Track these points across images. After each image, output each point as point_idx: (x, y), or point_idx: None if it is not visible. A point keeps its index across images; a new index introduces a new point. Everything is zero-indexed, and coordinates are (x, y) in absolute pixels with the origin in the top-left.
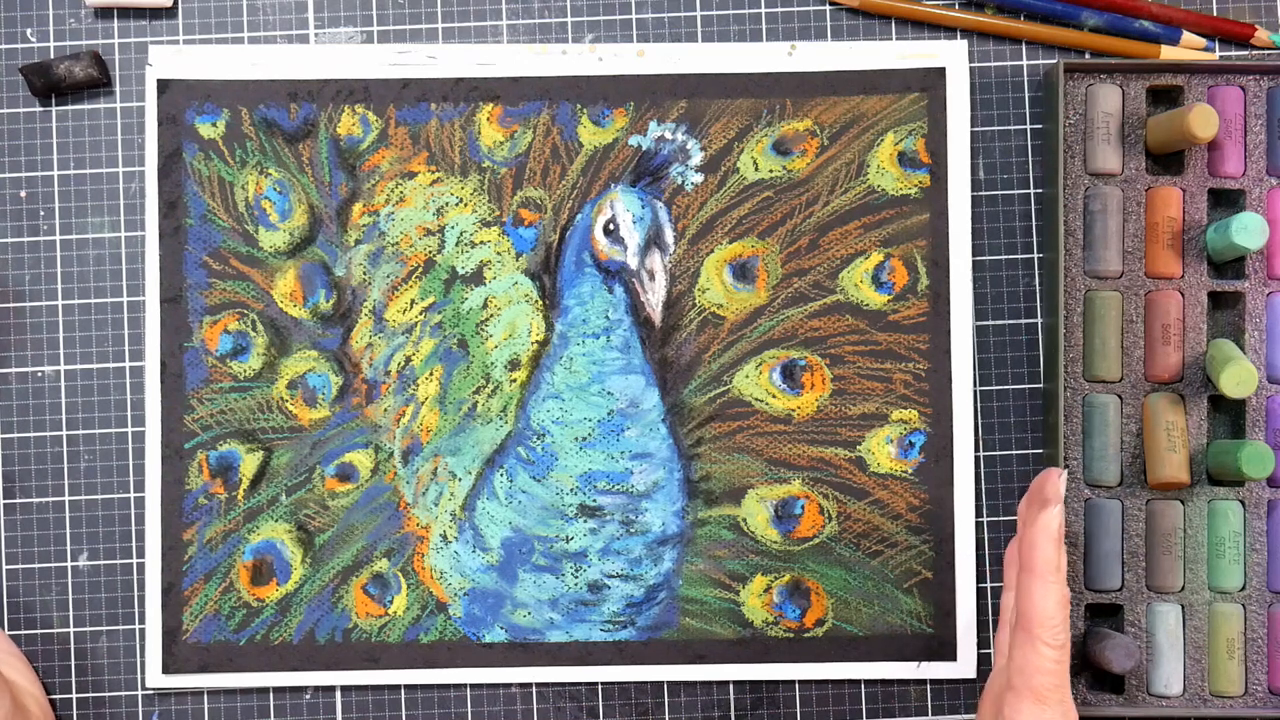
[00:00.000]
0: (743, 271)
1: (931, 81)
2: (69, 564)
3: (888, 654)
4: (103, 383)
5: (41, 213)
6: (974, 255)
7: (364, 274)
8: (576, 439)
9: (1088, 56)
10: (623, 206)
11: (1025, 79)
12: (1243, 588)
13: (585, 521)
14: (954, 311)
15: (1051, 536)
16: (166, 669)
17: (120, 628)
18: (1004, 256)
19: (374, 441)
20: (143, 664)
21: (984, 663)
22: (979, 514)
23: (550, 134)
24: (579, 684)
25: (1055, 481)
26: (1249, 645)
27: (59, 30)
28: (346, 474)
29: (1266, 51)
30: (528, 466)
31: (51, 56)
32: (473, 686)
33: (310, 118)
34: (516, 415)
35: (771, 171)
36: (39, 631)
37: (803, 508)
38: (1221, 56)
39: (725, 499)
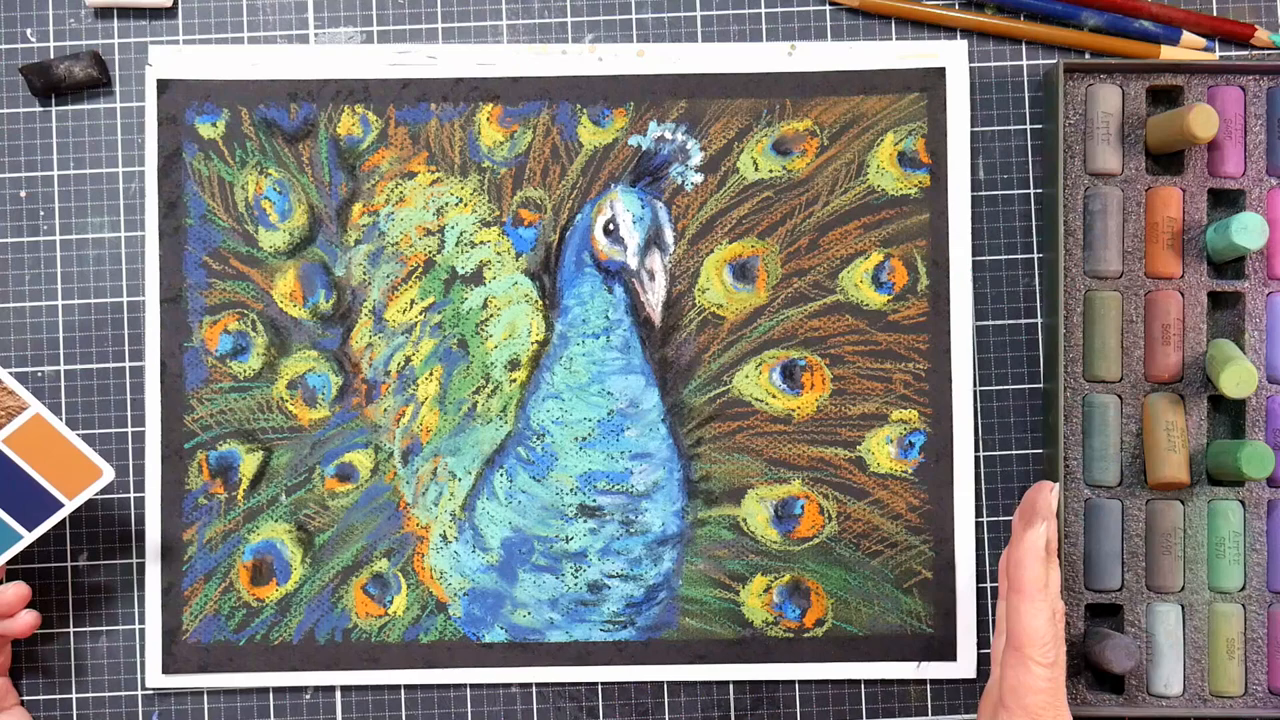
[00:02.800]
0: (743, 271)
1: (931, 81)
2: (69, 564)
3: (888, 654)
4: (103, 383)
5: (41, 213)
6: (974, 255)
7: (364, 274)
8: (576, 439)
9: (1088, 56)
10: (623, 206)
11: (1025, 79)
12: (1243, 588)
13: (585, 521)
14: (954, 311)
15: (1039, 555)
16: (166, 669)
17: (120, 628)
18: (1004, 256)
19: (374, 441)
20: (143, 664)
21: (984, 663)
22: (979, 514)
23: (550, 134)
24: (579, 684)
25: (1047, 496)
26: (1249, 645)
27: (59, 30)
28: (346, 474)
29: (1266, 51)
30: (528, 466)
31: (51, 56)
32: (473, 686)
33: (310, 118)
34: (516, 415)
35: (771, 171)
36: (39, 631)
37: (803, 508)
38: (1221, 56)
39: (725, 499)
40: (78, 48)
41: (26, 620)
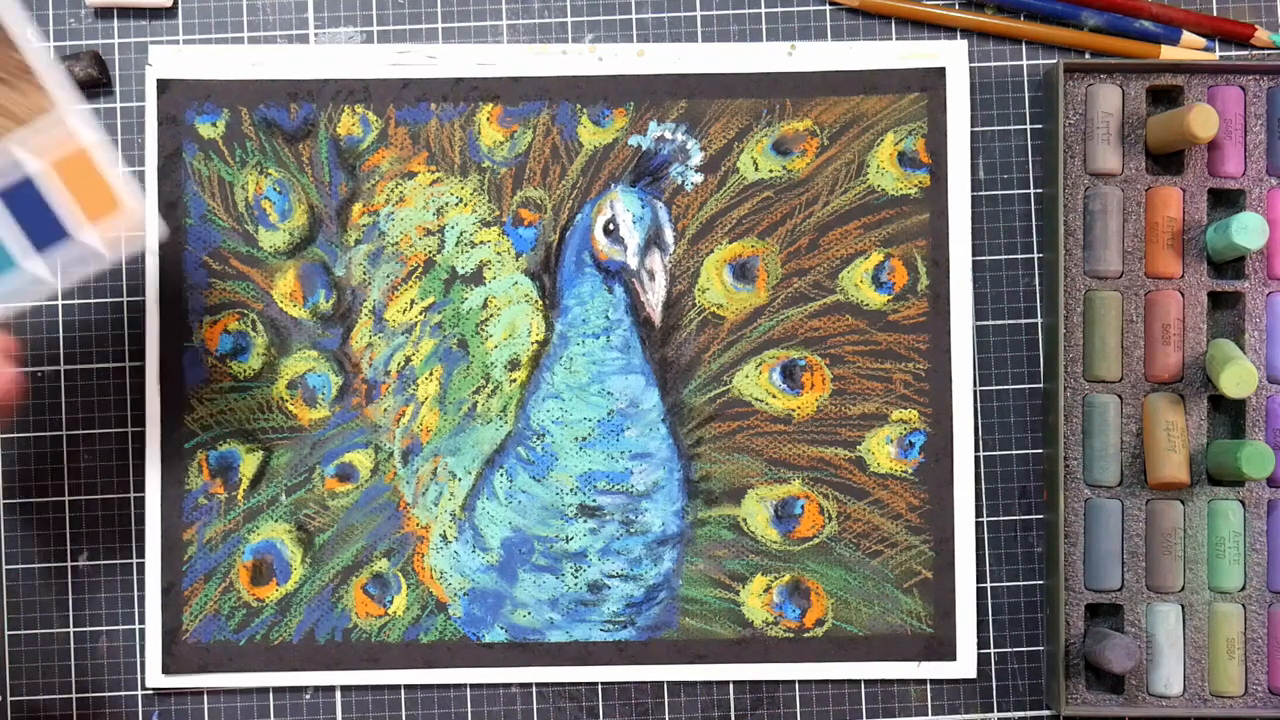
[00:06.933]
0: (743, 271)
1: (931, 81)
2: (69, 564)
3: (888, 654)
4: (103, 383)
5: None
6: (974, 255)
7: (364, 274)
8: (576, 439)
9: (1088, 56)
10: (623, 206)
11: (1025, 79)
12: (1243, 588)
13: (585, 521)
14: (954, 311)
15: None
16: (166, 669)
17: (120, 628)
18: (1004, 256)
19: (374, 441)
20: (143, 664)
21: (984, 663)
22: (979, 514)
23: (550, 134)
24: (579, 684)
25: None
26: (1249, 645)
27: (59, 30)
28: (346, 474)
29: (1266, 51)
30: (528, 466)
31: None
32: (473, 686)
33: (310, 118)
34: (516, 415)
35: (771, 171)
36: (39, 631)
37: (803, 508)
38: (1221, 56)
39: (725, 499)
40: (78, 48)
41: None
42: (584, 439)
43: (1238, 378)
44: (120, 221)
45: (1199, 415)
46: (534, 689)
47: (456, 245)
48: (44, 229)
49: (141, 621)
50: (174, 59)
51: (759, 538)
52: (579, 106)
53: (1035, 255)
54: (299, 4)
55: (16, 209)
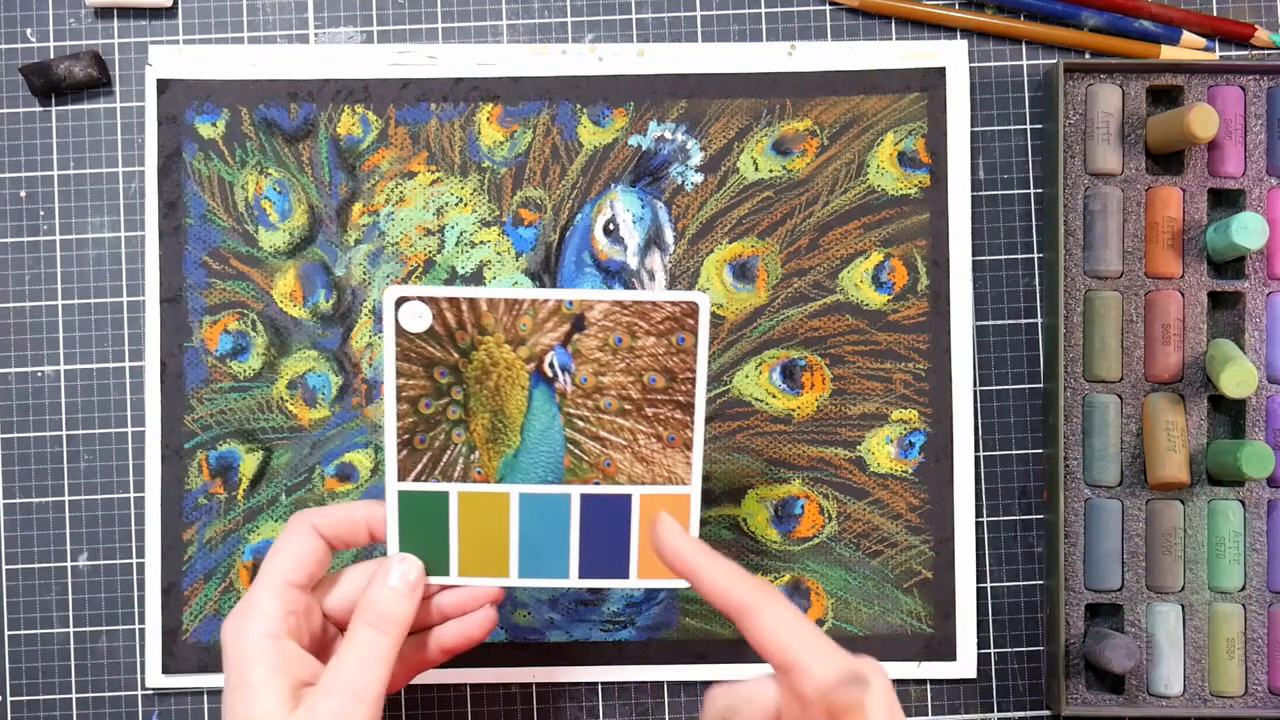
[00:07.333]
0: (743, 271)
1: (931, 81)
2: (69, 564)
3: (888, 654)
4: (103, 383)
5: (41, 213)
6: (974, 255)
7: (364, 274)
8: None
9: (1088, 56)
10: (622, 206)
11: (1025, 79)
12: (1243, 588)
13: None
14: (954, 311)
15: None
16: (166, 669)
17: (120, 628)
18: (1004, 256)
19: (374, 441)
20: (143, 664)
21: (984, 663)
22: (979, 514)
23: (550, 134)
24: (579, 684)
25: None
26: (1249, 645)
27: (59, 30)
28: (346, 474)
29: (1266, 51)
30: None
31: (51, 56)
32: (473, 686)
33: (310, 118)
34: None
35: (771, 171)
36: (39, 631)
37: (803, 508)
38: (1221, 56)
39: (725, 499)
40: (78, 48)
41: (487, 617)
42: None
43: (1238, 378)
44: (672, 581)
45: (1199, 415)
46: (534, 689)
47: (456, 245)
48: (605, 555)
49: (141, 621)
50: (174, 59)
51: (759, 538)
52: (579, 106)
53: (1035, 255)
54: (299, 4)
55: (591, 517)
